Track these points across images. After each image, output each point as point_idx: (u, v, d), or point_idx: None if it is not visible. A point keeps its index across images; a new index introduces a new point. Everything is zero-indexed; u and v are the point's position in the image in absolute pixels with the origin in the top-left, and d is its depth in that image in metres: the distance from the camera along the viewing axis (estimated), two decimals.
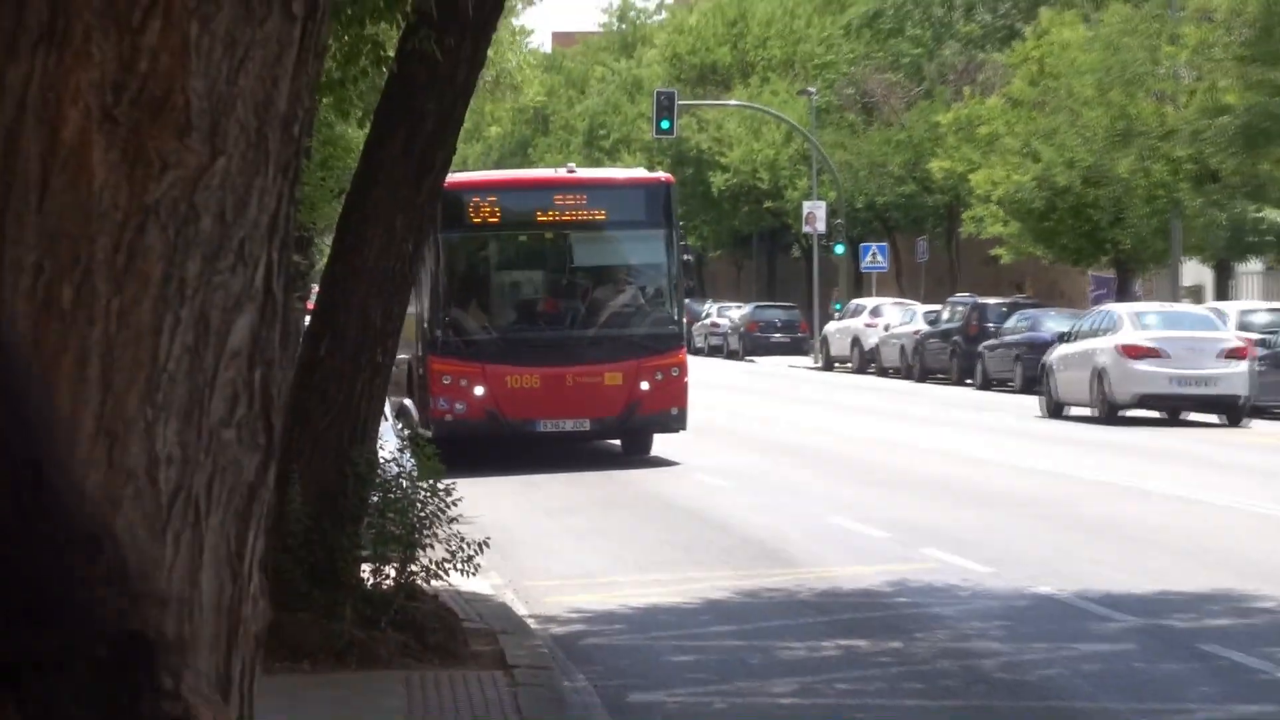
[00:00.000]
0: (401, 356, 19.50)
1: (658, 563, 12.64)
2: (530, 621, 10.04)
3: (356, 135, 13.72)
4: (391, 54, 9.64)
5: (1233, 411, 22.28)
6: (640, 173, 17.62)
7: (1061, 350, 26.90)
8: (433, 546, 8.83)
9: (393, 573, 8.81)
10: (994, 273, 48.79)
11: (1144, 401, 24.94)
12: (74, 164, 2.12)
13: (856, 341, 41.16)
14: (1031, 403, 28.26)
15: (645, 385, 15.26)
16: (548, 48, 66.92)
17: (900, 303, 42.60)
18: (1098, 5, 38.54)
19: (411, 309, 15.79)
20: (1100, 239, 36.53)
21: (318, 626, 8.19)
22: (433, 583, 9.01)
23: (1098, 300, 38.74)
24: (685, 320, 16.87)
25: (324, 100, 10.43)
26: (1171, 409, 25.15)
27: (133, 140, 2.13)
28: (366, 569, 8.75)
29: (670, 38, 61.87)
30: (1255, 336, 24.07)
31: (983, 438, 22.89)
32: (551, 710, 7.47)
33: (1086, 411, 25.83)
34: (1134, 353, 24.77)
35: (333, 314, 9.13)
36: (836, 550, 13.25)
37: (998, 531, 14.16)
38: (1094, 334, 26.54)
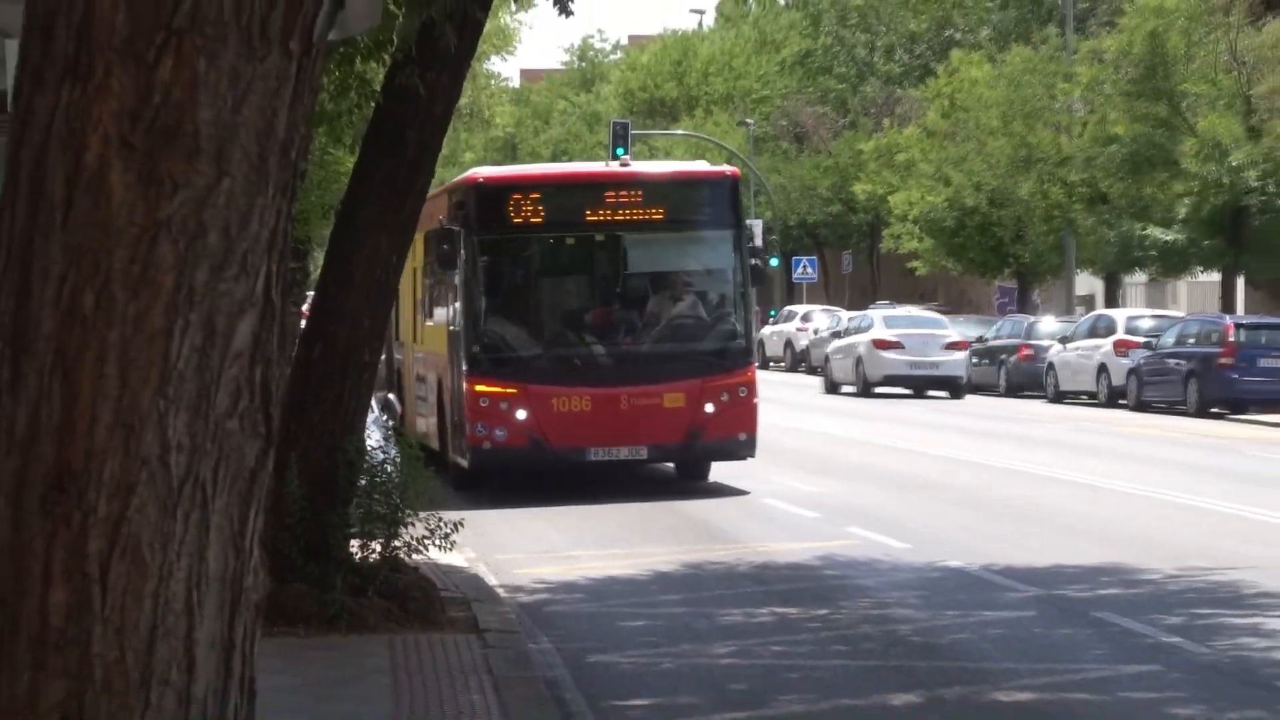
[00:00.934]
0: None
1: (614, 540, 12.46)
2: (500, 591, 9.91)
3: (347, 160, 13.42)
4: (378, 89, 9.61)
5: (955, 389, 27.26)
6: (703, 166, 13.78)
7: (835, 343, 32.36)
8: (414, 525, 8.66)
9: (378, 548, 8.65)
10: (911, 283, 49.33)
11: (888, 380, 29.78)
12: (95, 185, 2.09)
13: (789, 344, 41.43)
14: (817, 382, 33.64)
15: (710, 407, 12.03)
16: (517, 83, 66.61)
17: (828, 310, 42.87)
18: (1001, 47, 39.09)
19: (441, 318, 13.19)
20: (1004, 253, 37.84)
21: (311, 595, 8.11)
22: (414, 556, 8.88)
23: (1002, 308, 39.60)
24: (755, 332, 12.52)
25: (319, 129, 10.48)
26: (911, 387, 29.78)
27: (148, 163, 2.10)
28: (355, 544, 8.62)
29: (624, 74, 61.95)
30: (1140, 339, 24.40)
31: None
32: (519, 669, 7.39)
33: (851, 389, 30.84)
34: (881, 345, 29.65)
35: (325, 320, 8.96)
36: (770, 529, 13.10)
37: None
38: (857, 332, 31.40)
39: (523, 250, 12.61)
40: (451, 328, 12.67)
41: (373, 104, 9.71)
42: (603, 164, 15.53)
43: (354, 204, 9.10)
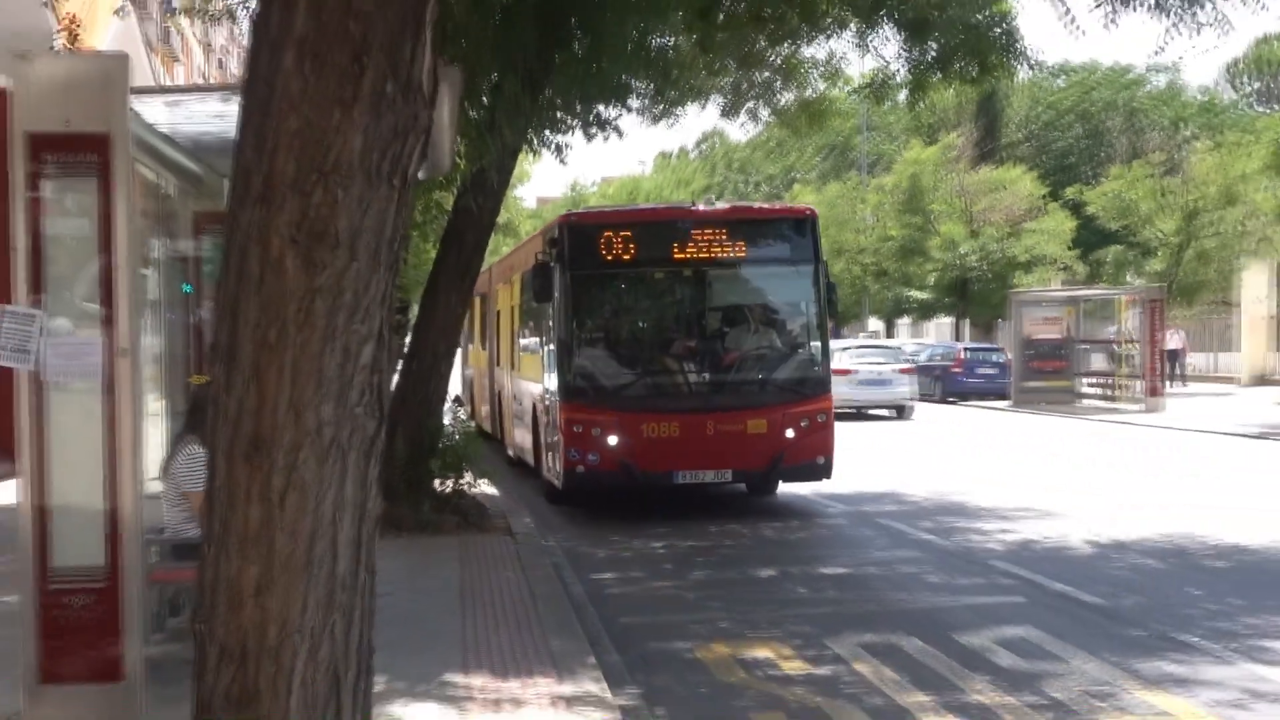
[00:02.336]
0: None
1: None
2: (524, 512, 11.83)
3: (430, 251, 15.65)
4: (448, 208, 12.32)
5: (901, 410, 25.30)
6: (783, 205, 12.25)
7: None
8: (470, 471, 11.15)
9: (450, 484, 11.00)
10: None
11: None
12: (276, 266, 2.64)
13: None
14: None
15: (791, 433, 10.91)
16: (533, 204, 69.93)
17: None
18: (825, 182, 49.85)
19: (536, 348, 12.75)
20: None
21: (410, 513, 10.08)
22: (471, 489, 11.17)
23: None
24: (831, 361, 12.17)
25: (413, 232, 13.30)
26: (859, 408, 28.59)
27: (307, 254, 2.62)
28: (437, 482, 10.91)
29: (599, 200, 64.97)
30: (910, 363, 28.45)
31: None
32: (536, 557, 9.34)
33: None
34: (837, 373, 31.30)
35: (419, 347, 11.40)
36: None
37: None
38: None
39: (613, 285, 11.57)
40: (546, 357, 11.99)
41: (445, 217, 12.58)
42: (689, 203, 14.63)
43: (435, 278, 11.60)
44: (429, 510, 10.39)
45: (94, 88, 4.40)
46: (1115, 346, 25.34)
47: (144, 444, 4.81)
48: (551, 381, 11.53)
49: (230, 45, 26.34)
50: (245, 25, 11.72)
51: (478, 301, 19.74)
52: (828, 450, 11.23)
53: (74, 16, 11.88)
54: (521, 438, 14.35)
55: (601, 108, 11.59)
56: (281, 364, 2.67)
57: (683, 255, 11.27)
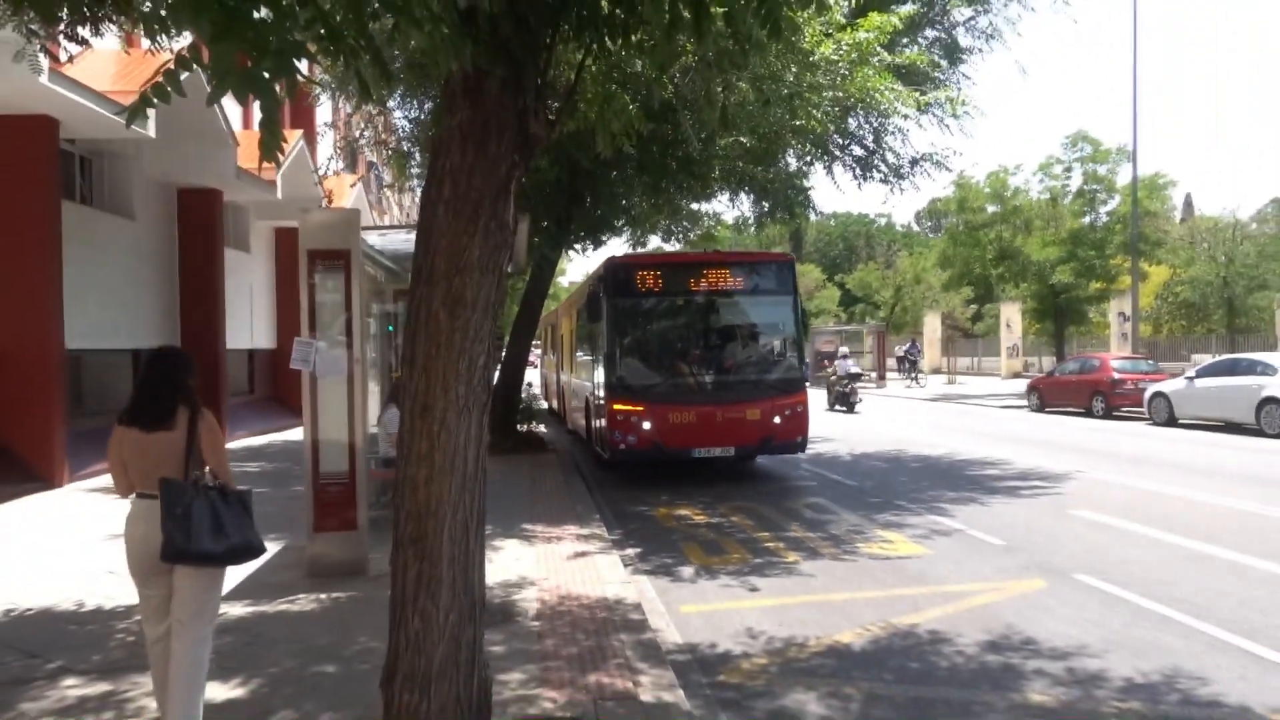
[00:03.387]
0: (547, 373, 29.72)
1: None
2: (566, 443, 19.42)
3: (513, 309, 22.52)
4: (520, 286, 20.90)
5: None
6: (770, 253, 16.23)
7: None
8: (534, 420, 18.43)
9: (526, 429, 19.53)
10: None
11: None
12: (434, 319, 4.19)
13: None
14: None
15: (778, 419, 13.99)
16: (566, 283, 71.72)
17: None
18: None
19: (590, 357, 16.58)
20: None
21: (502, 442, 17.27)
22: (537, 430, 19.25)
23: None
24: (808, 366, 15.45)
25: (510, 299, 20.22)
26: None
27: (452, 311, 4.09)
28: (518, 427, 18.92)
29: None
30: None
31: None
32: (569, 467, 15.64)
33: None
34: None
35: (507, 357, 19.00)
36: None
37: None
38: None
39: (647, 311, 14.49)
40: (597, 363, 15.09)
41: (521, 291, 20.51)
42: (702, 250, 18.86)
43: (516, 322, 19.46)
44: (513, 442, 17.85)
45: (341, 227, 8.20)
46: (860, 354, 45.33)
47: (366, 408, 8.52)
48: (600, 381, 14.65)
49: (411, 205, 46.13)
50: (418, 195, 19.11)
51: (549, 330, 28.73)
52: (804, 431, 14.22)
53: (330, 191, 24.84)
54: (577, 419, 19.09)
55: (600, 236, 18.33)
56: (437, 365, 4.15)
57: (697, 287, 14.30)
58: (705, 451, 13.87)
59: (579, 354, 18.98)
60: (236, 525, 4.71)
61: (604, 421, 14.38)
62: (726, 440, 13.93)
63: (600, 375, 14.77)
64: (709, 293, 14.47)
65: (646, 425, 13.80)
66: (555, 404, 26.26)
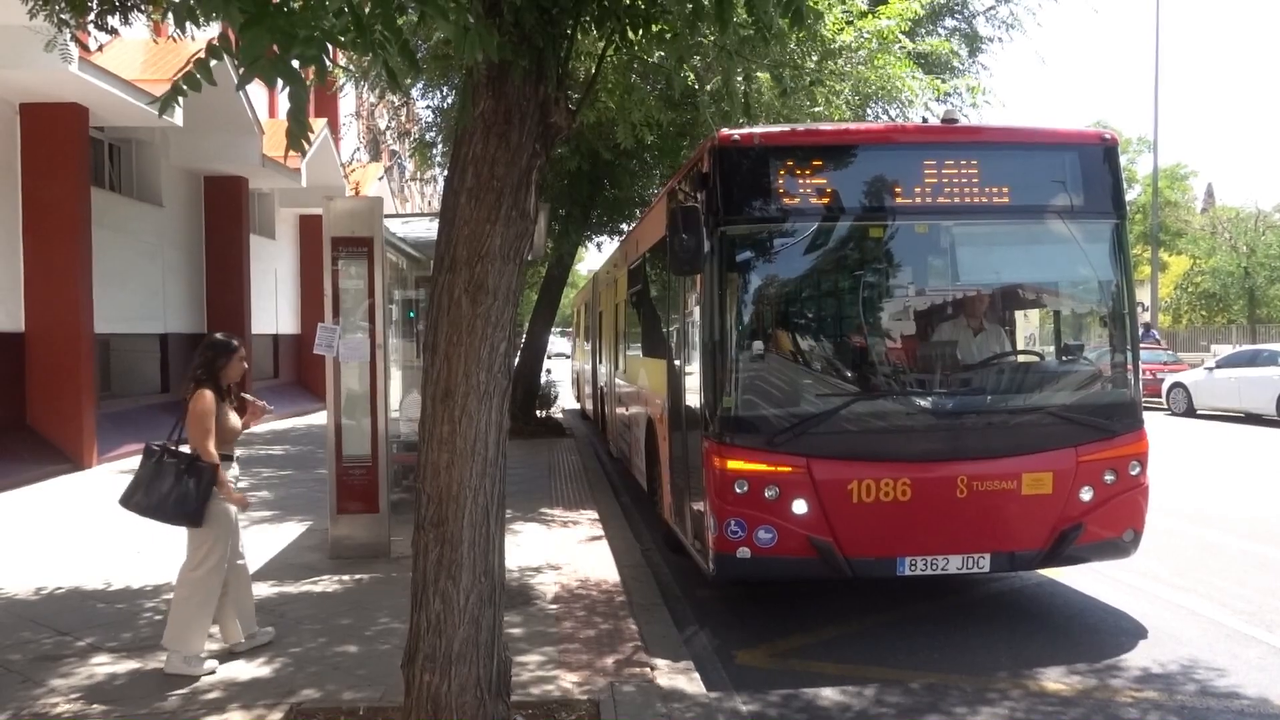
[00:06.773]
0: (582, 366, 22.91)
1: None
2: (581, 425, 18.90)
3: (532, 296, 23.09)
4: (543, 272, 20.43)
5: None
6: (1064, 129, 6.81)
7: None
8: (554, 405, 18.65)
9: (546, 413, 19.66)
10: None
11: None
12: (457, 306, 4.20)
13: None
14: None
15: (1088, 494, 6.45)
16: (584, 271, 72.63)
17: None
18: None
19: (655, 349, 8.89)
20: None
21: (524, 427, 17.94)
22: (557, 415, 18.80)
23: None
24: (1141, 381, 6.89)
25: (527, 288, 20.38)
26: None
27: (474, 297, 4.16)
28: (538, 412, 18.71)
29: None
30: None
31: None
32: (587, 451, 15.82)
33: None
34: None
35: (527, 343, 19.55)
36: None
37: None
38: None
39: (795, 250, 6.47)
40: (678, 363, 7.62)
41: (540, 279, 20.87)
42: (920, 121, 9.62)
43: (535, 309, 20.28)
44: (533, 426, 18.50)
45: (365, 214, 8.23)
46: None
47: (388, 393, 8.55)
48: (689, 401, 7.15)
49: (434, 194, 45.77)
50: (440, 184, 18.90)
51: (582, 309, 22.57)
52: (1137, 520, 6.67)
53: (357, 183, 24.89)
54: (632, 455, 11.19)
55: (620, 225, 18.36)
56: (459, 352, 4.17)
57: (908, 201, 6.51)
58: (927, 564, 6.41)
59: (629, 345, 11.59)
60: (167, 490, 5.44)
61: (702, 498, 6.62)
62: (975, 540, 6.46)
63: (688, 390, 7.24)
64: (932, 210, 6.56)
65: (800, 507, 6.27)
66: (590, 406, 19.91)
